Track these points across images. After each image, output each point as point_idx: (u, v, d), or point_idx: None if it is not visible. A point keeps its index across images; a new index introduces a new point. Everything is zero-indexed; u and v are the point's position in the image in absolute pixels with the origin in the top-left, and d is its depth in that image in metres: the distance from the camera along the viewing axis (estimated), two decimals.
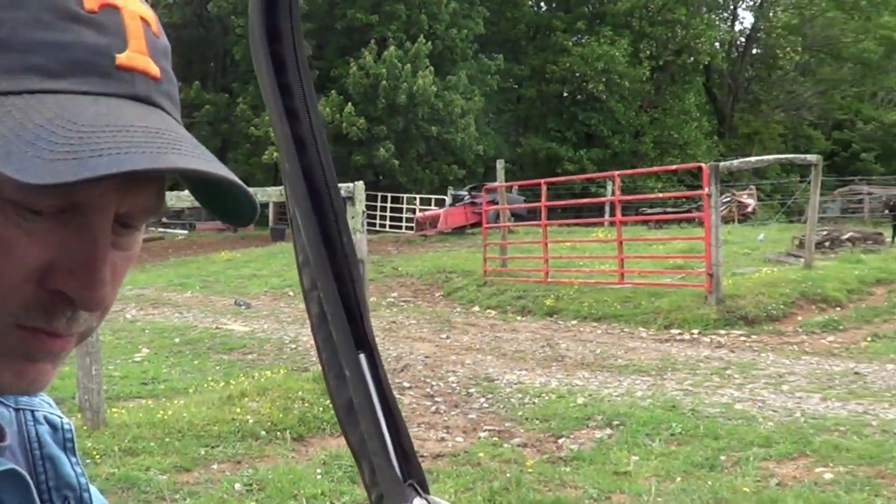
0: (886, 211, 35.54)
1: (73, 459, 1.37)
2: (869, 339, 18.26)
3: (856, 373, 15.05)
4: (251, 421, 11.69)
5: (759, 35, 78.39)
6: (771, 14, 77.65)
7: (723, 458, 10.26)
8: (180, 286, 30.70)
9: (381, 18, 57.23)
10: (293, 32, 1.19)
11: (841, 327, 19.28)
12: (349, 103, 52.54)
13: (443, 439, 11.56)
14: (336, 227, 1.23)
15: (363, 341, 1.24)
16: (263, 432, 11.44)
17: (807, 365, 15.99)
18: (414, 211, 51.02)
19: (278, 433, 11.47)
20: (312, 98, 1.21)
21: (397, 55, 53.02)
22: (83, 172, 0.88)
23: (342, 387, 1.23)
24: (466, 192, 48.17)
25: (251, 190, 1.05)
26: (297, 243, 1.25)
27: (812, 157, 24.77)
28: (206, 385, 14.54)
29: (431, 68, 53.93)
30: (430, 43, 55.22)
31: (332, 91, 54.38)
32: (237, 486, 9.58)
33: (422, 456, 10.54)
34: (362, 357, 1.24)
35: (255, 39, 1.18)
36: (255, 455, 10.73)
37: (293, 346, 19.08)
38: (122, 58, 1.01)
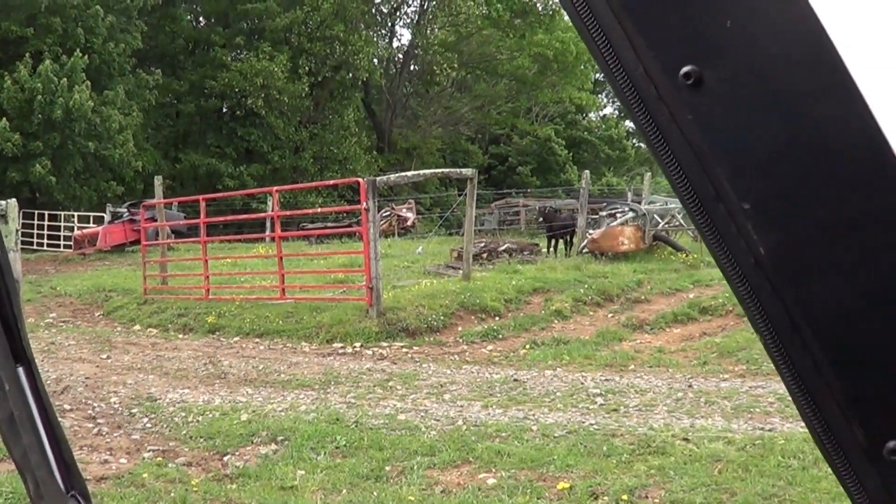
0: (541, 219, 36.65)
1: None
2: (527, 346, 18.87)
3: (515, 380, 15.50)
4: None
5: (416, 52, 79.75)
6: (428, 31, 78.95)
7: (388, 468, 10.34)
8: None
9: (36, 31, 55.51)
10: None
11: (500, 336, 19.83)
12: (3, 118, 50.75)
13: (106, 461, 11.26)
14: None
15: (21, 355, 1.24)
16: None
17: (468, 374, 16.36)
18: (72, 229, 49.89)
19: None
20: None
21: (53, 69, 51.68)
22: None
23: (3, 401, 1.23)
24: (125, 210, 47.42)
25: None
26: None
27: (468, 171, 25.29)
28: None
29: (88, 83, 52.94)
30: (86, 57, 54.13)
31: None
32: None
33: (86, 479, 10.34)
34: (21, 370, 1.24)
35: None
36: None
37: None
38: None
